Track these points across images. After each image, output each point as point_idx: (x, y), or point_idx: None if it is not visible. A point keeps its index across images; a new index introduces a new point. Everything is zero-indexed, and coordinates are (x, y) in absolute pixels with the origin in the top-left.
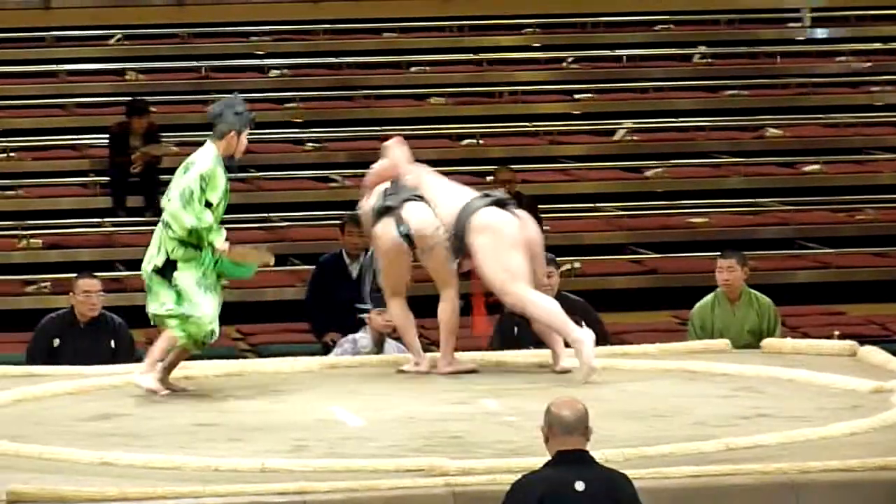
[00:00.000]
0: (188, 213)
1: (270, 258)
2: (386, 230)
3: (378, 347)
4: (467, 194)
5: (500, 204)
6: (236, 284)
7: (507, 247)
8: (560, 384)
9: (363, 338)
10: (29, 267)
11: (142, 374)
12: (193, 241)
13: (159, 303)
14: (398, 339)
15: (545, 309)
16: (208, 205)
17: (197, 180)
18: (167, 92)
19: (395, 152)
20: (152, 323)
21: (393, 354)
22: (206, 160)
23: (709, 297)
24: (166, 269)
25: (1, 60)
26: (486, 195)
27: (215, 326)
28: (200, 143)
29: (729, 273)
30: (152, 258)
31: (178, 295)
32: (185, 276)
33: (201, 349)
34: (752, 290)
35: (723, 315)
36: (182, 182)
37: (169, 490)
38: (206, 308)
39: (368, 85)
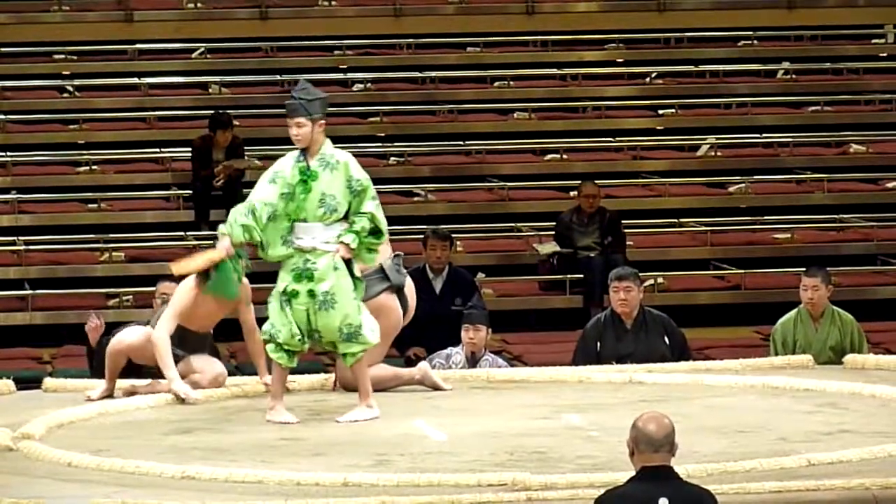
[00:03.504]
0: None
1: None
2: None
3: (470, 364)
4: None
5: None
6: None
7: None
8: (644, 399)
9: (457, 353)
10: (111, 280)
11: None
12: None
13: None
14: (496, 353)
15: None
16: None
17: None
18: (250, 105)
19: None
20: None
21: (485, 370)
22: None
23: (792, 313)
24: None
25: (84, 73)
26: (384, 276)
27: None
28: (282, 157)
29: (813, 292)
30: None
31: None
32: None
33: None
34: (836, 308)
35: (805, 332)
36: None
37: None
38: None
39: (452, 99)
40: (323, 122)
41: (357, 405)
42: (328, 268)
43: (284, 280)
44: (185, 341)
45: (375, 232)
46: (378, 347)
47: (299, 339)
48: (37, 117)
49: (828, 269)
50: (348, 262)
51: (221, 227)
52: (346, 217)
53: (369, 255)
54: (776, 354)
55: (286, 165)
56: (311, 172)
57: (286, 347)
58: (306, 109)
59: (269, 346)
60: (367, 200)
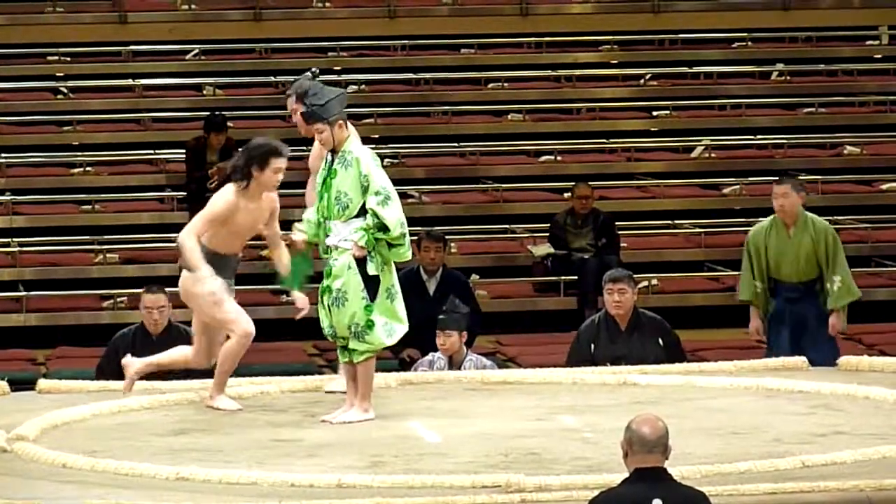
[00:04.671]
0: None
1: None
2: None
3: (453, 368)
4: None
5: None
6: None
7: None
8: (638, 401)
9: (439, 358)
10: (105, 282)
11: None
12: None
13: None
14: (485, 354)
15: None
16: None
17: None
18: (244, 107)
19: None
20: None
21: (479, 372)
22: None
23: (766, 221)
24: None
25: (78, 75)
26: None
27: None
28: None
29: (784, 199)
30: None
31: None
32: None
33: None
34: (812, 215)
35: (777, 240)
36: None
37: None
38: None
39: (446, 101)
40: (341, 120)
41: (353, 406)
42: (343, 266)
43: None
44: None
45: (382, 228)
46: None
47: (328, 334)
48: (31, 119)
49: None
50: (363, 261)
51: (299, 225)
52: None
53: (393, 251)
54: (749, 263)
55: (320, 169)
56: (332, 171)
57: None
58: (321, 115)
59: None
60: (370, 196)
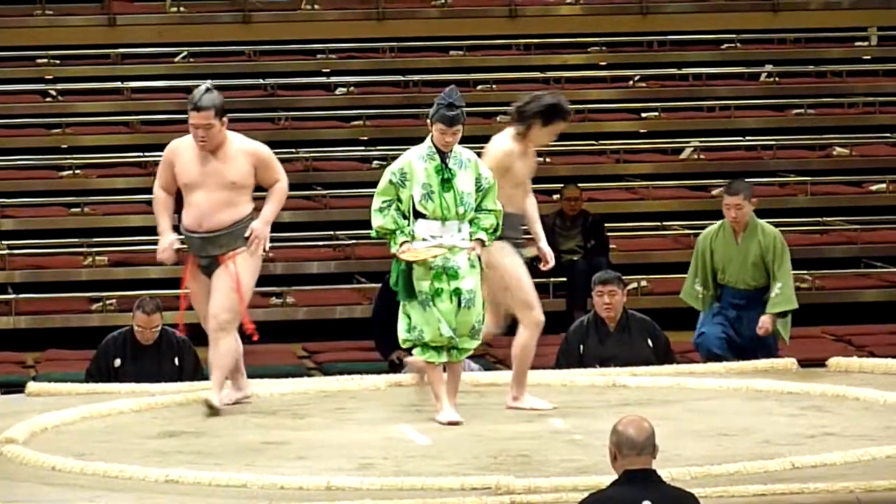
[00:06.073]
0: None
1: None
2: None
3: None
4: None
5: None
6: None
7: None
8: (628, 403)
9: None
10: (94, 284)
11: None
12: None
13: None
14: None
15: None
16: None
17: (384, 175)
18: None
19: None
20: None
21: (469, 374)
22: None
23: (716, 225)
24: None
25: (66, 78)
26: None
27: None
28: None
29: (737, 210)
30: None
31: None
32: None
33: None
34: (760, 222)
35: (725, 246)
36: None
37: None
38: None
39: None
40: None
41: (451, 404)
42: (468, 266)
43: (423, 279)
44: None
45: (497, 228)
46: None
47: (448, 336)
48: (20, 121)
49: (753, 186)
50: (479, 259)
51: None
52: None
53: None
54: (696, 264)
55: (416, 167)
56: (451, 172)
57: (433, 345)
58: (463, 118)
59: (416, 350)
60: (496, 198)
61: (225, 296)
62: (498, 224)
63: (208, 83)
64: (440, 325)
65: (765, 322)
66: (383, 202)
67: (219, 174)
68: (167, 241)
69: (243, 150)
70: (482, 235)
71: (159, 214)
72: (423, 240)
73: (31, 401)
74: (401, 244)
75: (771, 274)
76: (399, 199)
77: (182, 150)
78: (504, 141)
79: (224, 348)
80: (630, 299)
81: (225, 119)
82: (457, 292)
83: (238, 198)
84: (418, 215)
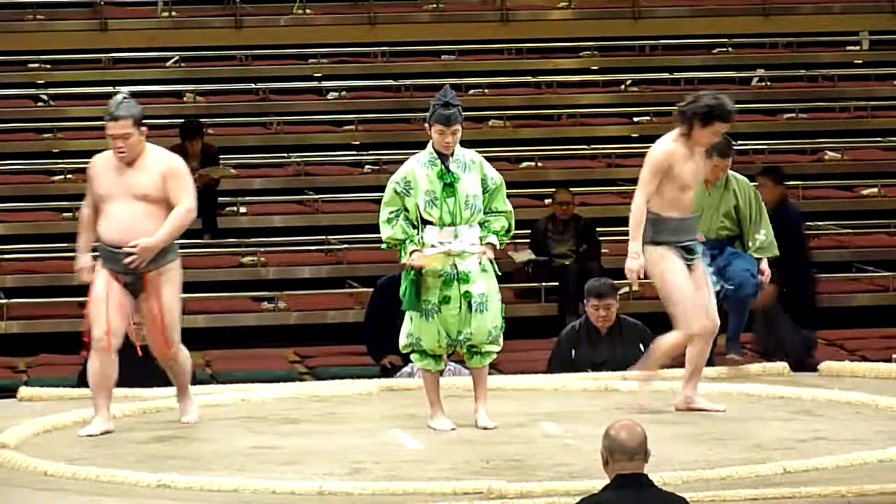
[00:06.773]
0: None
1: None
2: None
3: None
4: None
5: None
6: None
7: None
8: (619, 407)
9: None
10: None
11: None
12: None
13: None
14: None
15: None
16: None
17: (388, 186)
18: (225, 114)
19: None
20: None
21: (451, 378)
22: (405, 164)
23: None
24: None
25: (58, 82)
26: None
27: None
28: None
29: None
30: None
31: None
32: None
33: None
34: (733, 172)
35: (697, 196)
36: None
37: None
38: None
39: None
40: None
41: (482, 405)
42: (478, 270)
43: (433, 288)
44: None
45: (509, 230)
46: None
47: (447, 344)
48: (11, 126)
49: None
50: (491, 263)
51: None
52: None
53: None
54: None
55: (418, 174)
56: (454, 176)
57: (431, 353)
58: (460, 117)
59: (414, 356)
60: (505, 198)
61: (164, 331)
62: (510, 225)
63: (125, 91)
64: (440, 337)
65: (765, 269)
66: (390, 213)
67: (133, 185)
68: (86, 261)
69: (158, 162)
70: (493, 239)
71: (82, 231)
72: (432, 247)
73: (23, 406)
74: (410, 253)
75: (748, 222)
76: (406, 209)
77: (101, 163)
78: (665, 141)
79: (182, 359)
80: (621, 304)
81: (144, 129)
82: (467, 296)
83: (158, 210)
84: (426, 222)
